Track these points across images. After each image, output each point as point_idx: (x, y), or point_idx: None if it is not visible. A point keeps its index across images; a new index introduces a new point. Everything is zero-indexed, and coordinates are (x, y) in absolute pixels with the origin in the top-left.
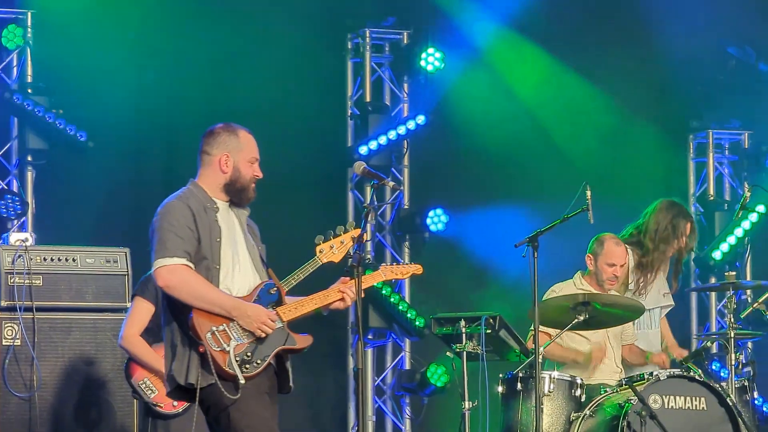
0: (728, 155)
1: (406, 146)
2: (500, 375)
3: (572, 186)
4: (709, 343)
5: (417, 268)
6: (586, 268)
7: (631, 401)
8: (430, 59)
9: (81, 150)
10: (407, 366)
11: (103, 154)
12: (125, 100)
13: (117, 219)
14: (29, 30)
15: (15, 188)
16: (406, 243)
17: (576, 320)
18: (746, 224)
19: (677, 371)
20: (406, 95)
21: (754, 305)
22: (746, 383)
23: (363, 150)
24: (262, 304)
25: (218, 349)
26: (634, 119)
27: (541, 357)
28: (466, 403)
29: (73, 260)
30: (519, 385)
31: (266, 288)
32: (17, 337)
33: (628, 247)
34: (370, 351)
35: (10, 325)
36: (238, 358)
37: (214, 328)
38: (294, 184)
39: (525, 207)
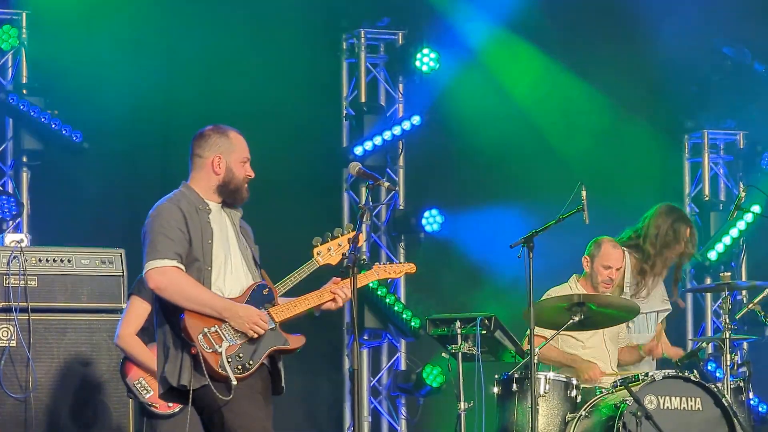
0: (723, 155)
1: (401, 147)
2: (496, 376)
3: (567, 186)
4: (704, 344)
5: (410, 267)
6: (582, 269)
7: (627, 402)
8: (425, 60)
9: (76, 151)
10: (403, 367)
11: (99, 155)
12: (120, 101)
13: (112, 220)
14: (24, 31)
15: (10, 189)
16: (402, 243)
17: (571, 321)
18: (741, 224)
19: (672, 372)
20: (401, 96)
21: (750, 306)
22: (741, 384)
23: (358, 150)
24: (255, 305)
25: (210, 351)
26: (629, 119)
27: (536, 359)
28: (462, 403)
29: (69, 261)
30: (514, 386)
31: (259, 289)
32: (12, 338)
33: (625, 250)
34: (365, 351)
35: (5, 326)
36: (230, 359)
37: (206, 330)
38: (289, 184)
39: (520, 207)
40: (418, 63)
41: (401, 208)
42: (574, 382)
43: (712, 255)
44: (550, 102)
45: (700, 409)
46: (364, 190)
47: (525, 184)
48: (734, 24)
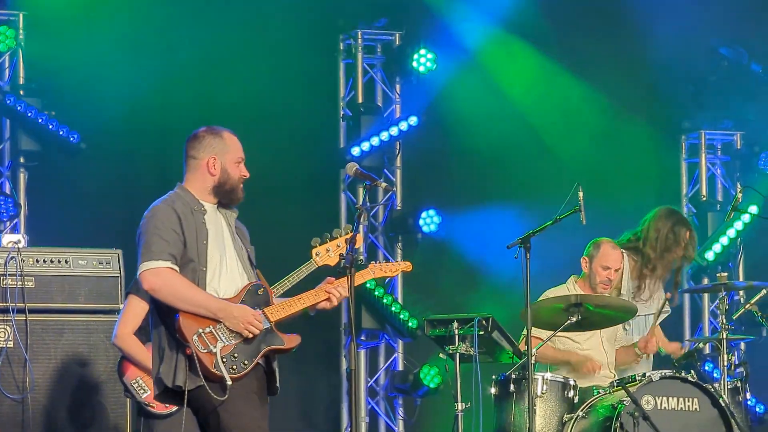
0: (720, 156)
1: (398, 147)
2: (493, 376)
3: (565, 187)
4: (701, 344)
5: (406, 265)
6: (580, 270)
7: (624, 402)
8: (422, 60)
9: (73, 151)
10: (400, 367)
11: (96, 155)
12: (118, 102)
13: (109, 220)
14: (21, 32)
15: (7, 190)
16: (399, 244)
17: (569, 321)
18: (738, 225)
19: (670, 372)
20: (398, 96)
21: (747, 306)
22: (739, 384)
23: (355, 151)
24: (250, 304)
25: (205, 351)
26: (626, 120)
27: (533, 359)
28: (459, 404)
29: (66, 262)
30: (512, 387)
31: (254, 289)
32: (10, 338)
33: (624, 252)
34: (363, 352)
35: (2, 327)
36: (225, 359)
37: (201, 330)
38: (286, 185)
39: (517, 208)
40: (415, 63)
41: (398, 208)
42: (572, 382)
43: (710, 255)
44: (547, 102)
45: (698, 409)
46: (361, 190)
47: (522, 185)
48: (731, 24)
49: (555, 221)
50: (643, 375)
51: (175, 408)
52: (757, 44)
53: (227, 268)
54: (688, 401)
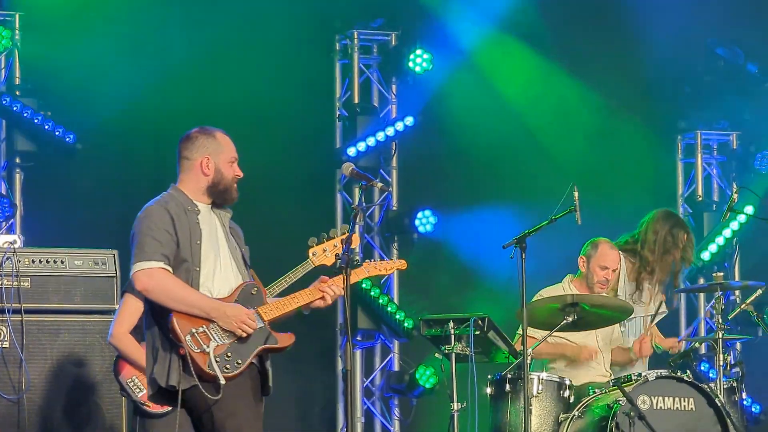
0: (717, 156)
1: (394, 147)
2: (489, 376)
3: (560, 187)
4: (697, 344)
5: (401, 264)
6: (575, 270)
7: (620, 402)
8: (418, 60)
9: (69, 152)
10: (396, 367)
11: (92, 156)
12: (114, 102)
13: (105, 221)
14: (17, 32)
15: (3, 190)
16: (395, 244)
17: (564, 321)
18: (734, 225)
19: (665, 372)
20: (394, 96)
21: (743, 306)
22: (735, 384)
23: (351, 151)
24: (243, 304)
25: (198, 351)
26: (622, 120)
27: (529, 358)
28: (455, 404)
29: (62, 262)
30: (507, 387)
31: (247, 288)
32: (5, 339)
33: (621, 254)
34: (358, 352)
35: None
36: (218, 359)
37: (194, 330)
38: (282, 185)
39: (513, 208)
40: (411, 64)
41: (394, 208)
42: (567, 382)
43: (705, 255)
44: (543, 102)
45: (693, 409)
46: (357, 190)
47: (518, 185)
48: (727, 25)
49: (550, 221)
50: (639, 375)
51: (170, 407)
52: (753, 44)
53: (221, 268)
54: (684, 401)
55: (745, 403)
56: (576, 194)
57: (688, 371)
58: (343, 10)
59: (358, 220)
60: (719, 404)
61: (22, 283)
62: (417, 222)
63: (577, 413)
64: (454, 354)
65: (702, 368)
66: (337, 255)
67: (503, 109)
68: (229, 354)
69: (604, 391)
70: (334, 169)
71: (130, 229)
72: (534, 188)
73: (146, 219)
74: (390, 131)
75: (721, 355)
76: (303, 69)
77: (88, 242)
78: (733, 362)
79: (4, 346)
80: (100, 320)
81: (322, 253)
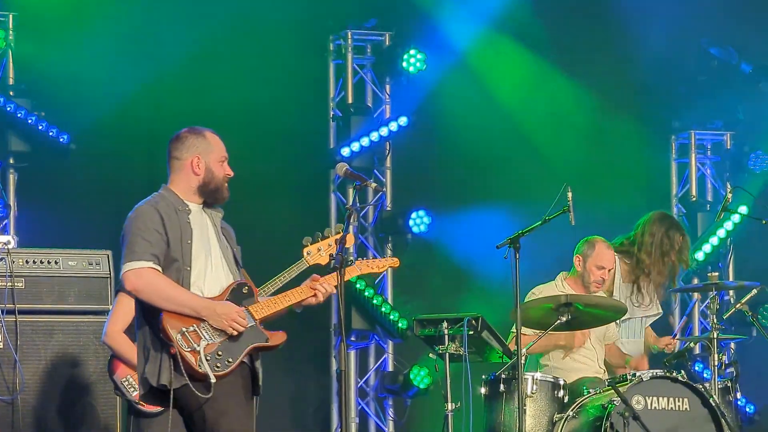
0: (710, 156)
1: (388, 148)
2: (483, 376)
3: (554, 187)
4: (692, 344)
5: (394, 261)
6: (569, 268)
7: (614, 402)
8: (412, 60)
9: (63, 152)
10: (390, 368)
11: (86, 156)
12: (108, 103)
13: (99, 221)
14: (11, 32)
15: None
16: (389, 244)
17: (558, 321)
18: (728, 225)
19: (660, 372)
20: (388, 97)
21: (737, 306)
22: (729, 384)
23: (345, 152)
24: (234, 303)
25: (189, 350)
26: (616, 120)
27: (523, 358)
28: (449, 404)
29: (56, 263)
30: (502, 387)
31: (238, 287)
32: None
33: (617, 256)
34: (353, 353)
35: None
36: (209, 358)
37: (184, 329)
38: (276, 186)
39: (507, 208)
40: (404, 64)
41: (388, 209)
42: (561, 382)
43: (700, 255)
44: (536, 102)
45: (688, 409)
46: (351, 191)
47: (512, 185)
48: (721, 24)
49: (544, 221)
50: (634, 375)
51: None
52: (747, 44)
53: (212, 268)
54: (679, 401)
55: (739, 403)
56: (570, 194)
57: (683, 371)
58: (337, 11)
59: (352, 220)
60: (714, 404)
61: (15, 284)
62: (411, 222)
63: (571, 413)
64: (448, 354)
65: (696, 368)
66: (331, 255)
67: (497, 109)
68: (219, 352)
69: (598, 391)
70: (328, 169)
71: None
72: (528, 188)
73: (136, 219)
74: (384, 131)
75: (716, 355)
76: (297, 69)
77: (82, 243)
78: (727, 362)
79: None
80: (94, 321)
81: (317, 253)
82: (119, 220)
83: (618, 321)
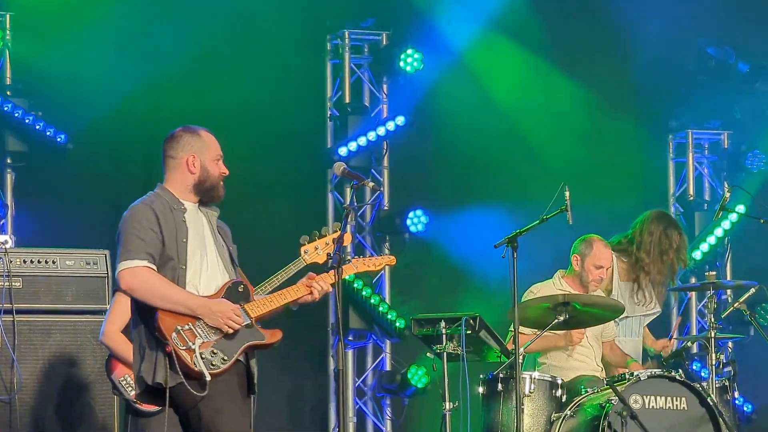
0: (708, 155)
1: (385, 147)
2: (481, 376)
3: (551, 186)
4: (689, 343)
5: (390, 260)
6: (567, 267)
7: (612, 401)
8: (409, 60)
9: (61, 152)
10: (388, 367)
11: (83, 156)
12: (105, 102)
13: (97, 221)
14: (8, 32)
15: None
16: (386, 244)
17: (556, 320)
18: (726, 224)
19: (658, 371)
20: (385, 96)
21: (735, 305)
22: (727, 383)
23: (342, 151)
24: (230, 301)
25: (184, 348)
26: (613, 119)
27: (521, 357)
28: (447, 403)
29: (53, 262)
30: (500, 386)
31: (234, 286)
32: None
33: (614, 255)
34: (350, 352)
35: None
36: (204, 356)
37: (180, 328)
38: (274, 185)
39: (504, 207)
40: (402, 63)
41: (386, 208)
42: (559, 381)
43: (697, 255)
44: (534, 102)
45: (686, 408)
46: (348, 190)
47: (509, 184)
48: (718, 24)
49: (542, 221)
50: (632, 374)
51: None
52: (744, 44)
53: (208, 266)
54: (676, 400)
55: (737, 402)
56: (567, 194)
57: (681, 370)
58: (334, 10)
59: (349, 219)
60: (711, 403)
61: (13, 284)
62: (408, 222)
63: (569, 412)
64: (445, 353)
65: (694, 367)
66: (328, 254)
67: (494, 108)
68: (215, 351)
69: (596, 391)
70: (326, 168)
71: None
72: (525, 187)
73: (131, 218)
74: (381, 131)
75: (714, 354)
76: (294, 69)
77: (80, 242)
78: (725, 361)
79: None
80: (91, 320)
81: (314, 251)
82: (116, 220)
83: (616, 319)
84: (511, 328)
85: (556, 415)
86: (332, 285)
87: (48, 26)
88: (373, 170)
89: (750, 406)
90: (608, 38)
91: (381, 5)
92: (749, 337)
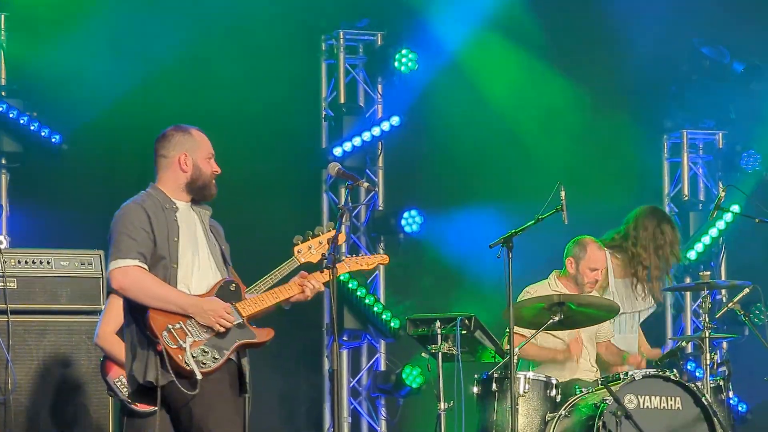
0: (702, 155)
1: (380, 147)
2: (475, 376)
3: (546, 186)
4: (684, 343)
5: (383, 258)
6: (561, 267)
7: (607, 401)
8: (404, 60)
9: (56, 153)
10: (382, 367)
11: (78, 156)
12: (100, 103)
13: (91, 221)
14: (3, 32)
15: None
16: (381, 244)
17: (551, 321)
18: (721, 224)
19: (652, 371)
20: (380, 96)
21: (729, 305)
22: (721, 383)
23: (337, 151)
24: (222, 300)
25: (175, 347)
26: (608, 119)
27: (516, 357)
28: (442, 404)
29: (48, 263)
30: (494, 386)
31: (226, 285)
32: None
33: (608, 252)
34: (345, 352)
35: None
36: (195, 355)
37: (171, 326)
38: (268, 185)
39: (500, 208)
40: (396, 64)
41: (380, 208)
42: (554, 381)
43: (692, 255)
44: (528, 102)
45: (680, 408)
46: (343, 190)
47: (504, 184)
48: (713, 24)
49: (537, 221)
50: (626, 374)
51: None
52: (739, 43)
53: (199, 265)
54: (671, 400)
55: (731, 402)
56: (563, 193)
57: (675, 370)
58: (329, 11)
59: (344, 220)
60: (706, 403)
61: (8, 284)
62: (403, 222)
63: (563, 412)
64: (440, 353)
65: (689, 367)
66: (323, 254)
67: (489, 108)
68: (206, 350)
69: (590, 391)
70: (320, 169)
71: None
72: (520, 187)
73: (122, 217)
74: (376, 131)
75: (708, 354)
76: (289, 69)
77: (74, 243)
78: (719, 361)
79: None
80: (86, 320)
81: (308, 251)
82: (111, 221)
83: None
84: (508, 330)
85: (550, 415)
86: (325, 284)
87: (43, 27)
88: (367, 170)
89: (744, 406)
90: (603, 38)
91: (376, 6)
92: (744, 336)
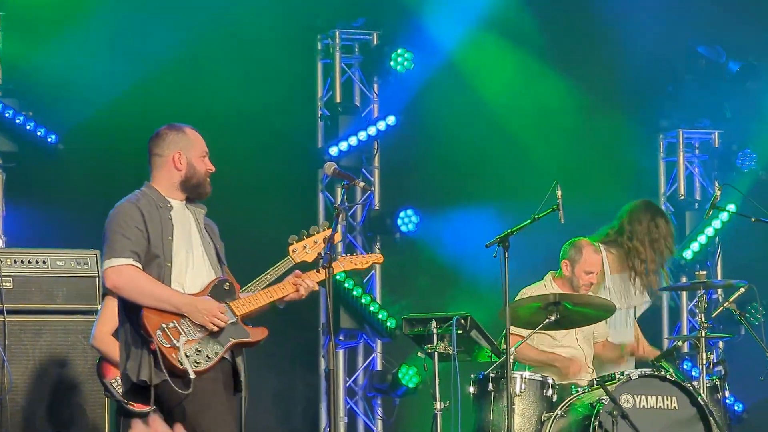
0: (698, 154)
1: (376, 147)
2: (472, 375)
3: (542, 186)
4: (680, 343)
5: (377, 258)
6: (557, 268)
7: (603, 401)
8: (400, 60)
9: (51, 152)
10: (379, 367)
11: (74, 156)
12: (96, 103)
13: (87, 221)
14: None
15: None
16: (377, 244)
17: (547, 320)
18: (717, 223)
19: (648, 371)
20: (376, 96)
21: (725, 304)
22: (717, 382)
23: (333, 151)
24: (216, 299)
25: (168, 346)
26: (603, 118)
27: (512, 358)
28: (438, 403)
29: (44, 263)
30: (490, 386)
31: (220, 284)
32: None
33: (602, 247)
34: (341, 352)
35: None
36: (188, 354)
37: (164, 325)
38: (264, 185)
39: (495, 207)
40: (392, 63)
41: (376, 208)
42: (550, 381)
43: (688, 254)
44: (524, 101)
45: (676, 407)
46: (339, 190)
47: (500, 184)
48: (709, 23)
49: (533, 220)
50: (622, 373)
51: (154, 407)
52: (735, 43)
53: (194, 264)
54: (667, 400)
55: (727, 401)
56: (559, 193)
57: (671, 370)
58: (325, 10)
59: (340, 219)
60: (702, 403)
61: (4, 284)
62: (399, 221)
63: (560, 412)
64: (436, 353)
65: (685, 367)
66: (319, 254)
67: (485, 107)
68: (199, 349)
69: (587, 390)
70: (316, 168)
71: None
72: (516, 187)
73: (116, 217)
74: (372, 131)
75: (704, 354)
76: (284, 68)
77: (70, 243)
78: (715, 361)
79: None
80: (82, 320)
81: (303, 250)
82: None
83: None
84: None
85: (547, 414)
86: (320, 283)
87: (39, 27)
88: (363, 170)
89: (741, 406)
90: (599, 37)
91: (371, 5)
92: (740, 336)
